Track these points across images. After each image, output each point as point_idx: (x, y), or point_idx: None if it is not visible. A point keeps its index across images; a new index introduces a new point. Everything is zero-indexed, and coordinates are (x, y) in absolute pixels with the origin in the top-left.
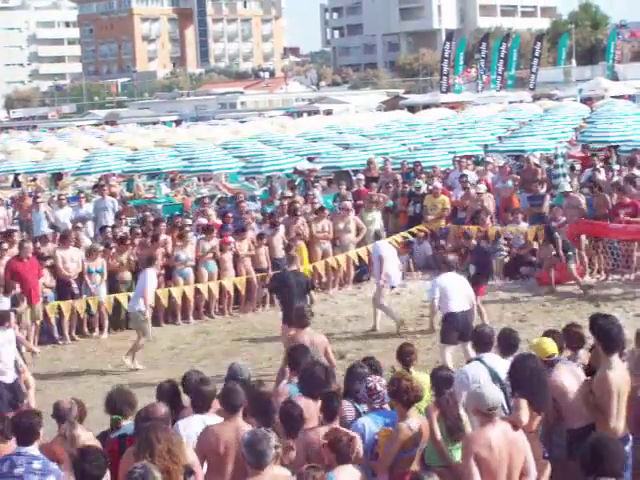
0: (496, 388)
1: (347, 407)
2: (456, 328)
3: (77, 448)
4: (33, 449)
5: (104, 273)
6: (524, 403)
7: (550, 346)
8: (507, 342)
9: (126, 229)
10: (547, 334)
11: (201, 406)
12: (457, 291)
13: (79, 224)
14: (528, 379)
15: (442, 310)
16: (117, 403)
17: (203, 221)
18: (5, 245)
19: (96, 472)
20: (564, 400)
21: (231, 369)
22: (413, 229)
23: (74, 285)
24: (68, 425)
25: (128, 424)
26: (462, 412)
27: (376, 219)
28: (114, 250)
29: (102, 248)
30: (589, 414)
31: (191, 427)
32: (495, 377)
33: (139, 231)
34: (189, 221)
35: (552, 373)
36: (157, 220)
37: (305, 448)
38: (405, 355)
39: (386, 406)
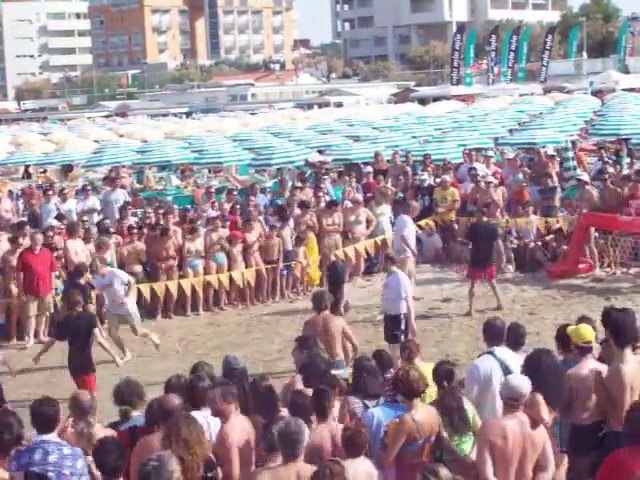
0: (526, 380)
1: (356, 403)
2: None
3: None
4: (55, 436)
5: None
6: (540, 398)
7: (588, 332)
8: (514, 337)
9: (133, 219)
10: (581, 320)
11: (197, 402)
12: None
13: (85, 217)
14: (544, 375)
15: (390, 310)
16: (126, 394)
17: (212, 213)
18: (21, 239)
19: (115, 463)
20: (580, 394)
21: (226, 361)
22: (422, 222)
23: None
24: (85, 425)
25: (138, 415)
26: (468, 405)
27: (386, 212)
28: (120, 240)
29: (110, 241)
30: (597, 411)
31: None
32: (506, 370)
33: (147, 222)
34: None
35: (580, 363)
36: (166, 212)
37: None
38: (403, 350)
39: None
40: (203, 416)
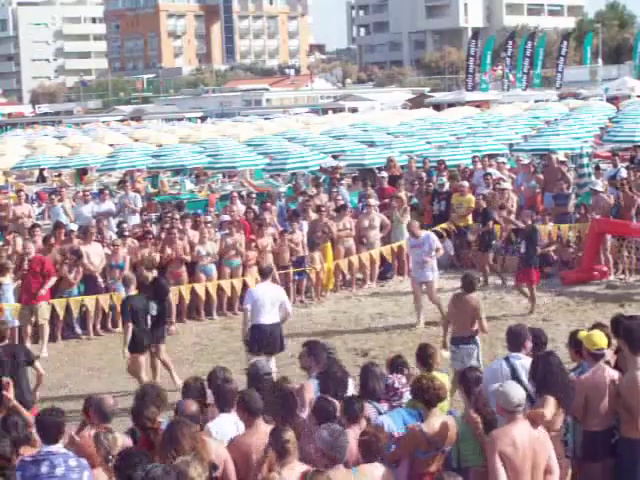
0: (519, 386)
1: (370, 409)
2: (262, 341)
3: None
4: (61, 447)
5: (125, 268)
6: (552, 400)
7: (601, 339)
8: (535, 340)
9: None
10: (595, 327)
11: (226, 404)
12: (270, 303)
13: (101, 220)
14: (554, 377)
15: (252, 321)
16: (155, 399)
17: (226, 218)
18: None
19: (139, 474)
20: (592, 400)
21: (254, 367)
22: (437, 227)
23: (100, 279)
24: (104, 433)
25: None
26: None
27: (404, 219)
28: (135, 244)
29: (120, 241)
30: (611, 417)
31: (223, 428)
32: (514, 376)
33: (166, 226)
34: (209, 217)
35: (592, 369)
36: (183, 216)
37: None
38: (427, 357)
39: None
40: (232, 420)
